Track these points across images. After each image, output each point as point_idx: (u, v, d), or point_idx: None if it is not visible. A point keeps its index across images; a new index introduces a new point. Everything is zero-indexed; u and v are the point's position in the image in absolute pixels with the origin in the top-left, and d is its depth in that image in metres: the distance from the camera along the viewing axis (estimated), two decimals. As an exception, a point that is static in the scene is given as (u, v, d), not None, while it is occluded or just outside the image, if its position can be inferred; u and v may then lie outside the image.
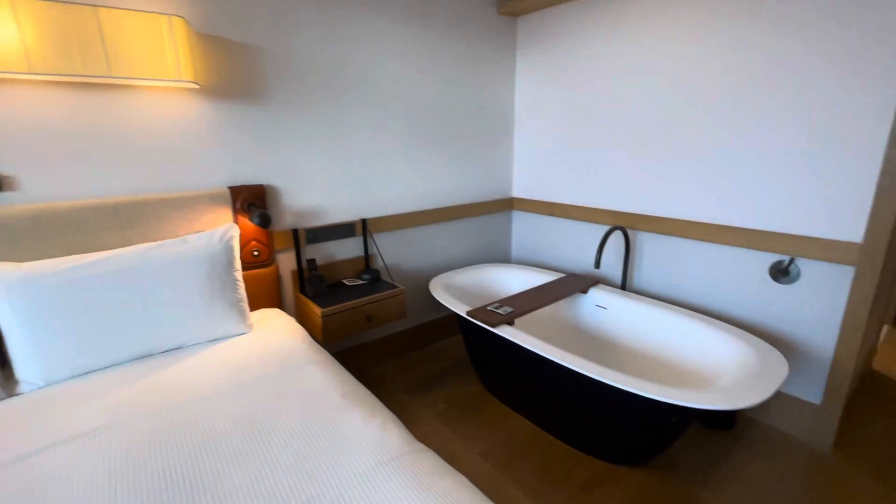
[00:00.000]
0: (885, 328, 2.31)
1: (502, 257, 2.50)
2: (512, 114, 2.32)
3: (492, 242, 2.42)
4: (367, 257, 1.87)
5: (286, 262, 1.69)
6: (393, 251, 2.00)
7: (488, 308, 1.61)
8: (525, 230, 2.43)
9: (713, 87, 1.56)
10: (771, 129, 1.44)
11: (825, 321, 1.42)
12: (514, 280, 2.12)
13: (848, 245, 1.32)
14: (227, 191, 1.48)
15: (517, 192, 2.40)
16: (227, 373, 1.13)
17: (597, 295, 1.84)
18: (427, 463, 0.84)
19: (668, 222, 1.75)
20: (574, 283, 1.88)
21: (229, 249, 1.35)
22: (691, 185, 1.67)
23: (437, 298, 1.76)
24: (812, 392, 1.49)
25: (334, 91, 1.69)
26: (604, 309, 1.82)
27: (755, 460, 1.45)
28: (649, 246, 1.86)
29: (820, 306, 1.42)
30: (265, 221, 1.45)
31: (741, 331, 1.42)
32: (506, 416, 1.70)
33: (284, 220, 1.66)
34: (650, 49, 1.71)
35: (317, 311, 1.53)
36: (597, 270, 2.09)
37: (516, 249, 2.51)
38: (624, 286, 1.93)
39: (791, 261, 1.45)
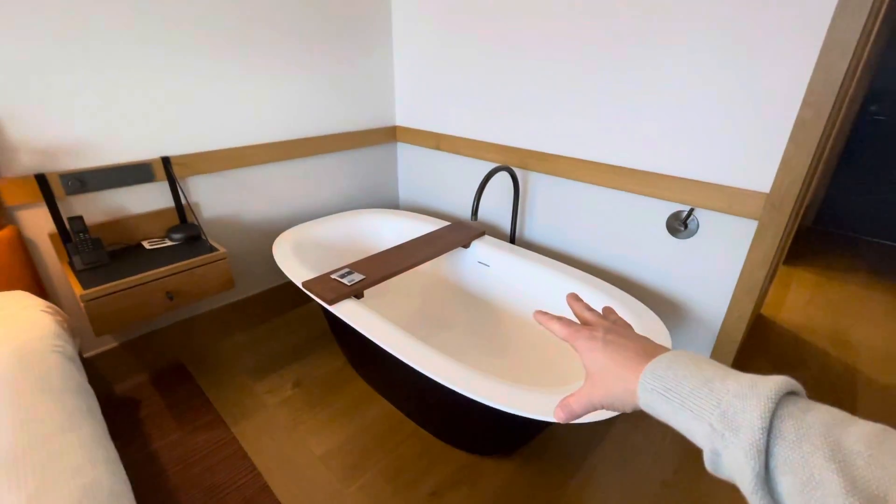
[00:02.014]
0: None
1: (389, 201, 2.11)
2: (389, 22, 1.80)
3: (373, 184, 2.01)
4: (180, 210, 1.40)
5: (37, 221, 1.19)
6: (224, 199, 1.54)
7: (332, 276, 1.26)
8: (412, 168, 2.03)
9: (615, 4, 1.18)
10: (675, 55, 1.11)
11: (719, 282, 1.22)
12: (389, 231, 1.76)
13: (752, 195, 1.09)
14: None
15: (401, 120, 1.96)
16: None
17: (479, 250, 1.55)
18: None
19: (561, 161, 1.43)
20: (456, 235, 1.56)
21: None
22: (584, 118, 1.34)
23: (276, 261, 1.37)
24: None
25: (79, -43, 1.10)
26: (486, 266, 1.54)
27: (635, 434, 1.31)
28: (541, 191, 1.55)
29: (716, 265, 1.22)
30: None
31: (629, 297, 1.19)
32: (368, 398, 1.42)
33: (20, 162, 1.13)
34: (547, -77, 1.27)
35: (78, 292, 1.09)
36: (487, 219, 1.78)
37: (404, 191, 2.12)
38: (513, 239, 1.64)
39: (690, 212, 1.21)
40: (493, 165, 1.67)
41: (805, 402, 0.25)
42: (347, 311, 1.12)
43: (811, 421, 0.24)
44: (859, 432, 0.22)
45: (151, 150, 1.33)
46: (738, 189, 1.11)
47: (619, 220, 1.37)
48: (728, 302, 1.22)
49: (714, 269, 1.22)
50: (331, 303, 1.15)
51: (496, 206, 1.73)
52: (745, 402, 0.25)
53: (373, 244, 1.75)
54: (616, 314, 0.44)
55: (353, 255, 1.70)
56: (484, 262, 1.54)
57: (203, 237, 1.38)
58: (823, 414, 0.24)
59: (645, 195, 1.27)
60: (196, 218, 1.43)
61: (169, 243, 1.36)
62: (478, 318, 1.58)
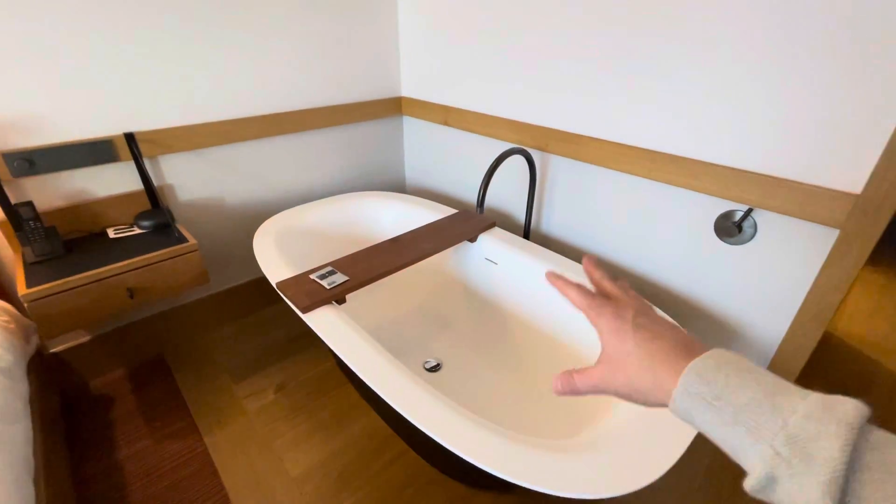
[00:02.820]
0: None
1: (394, 183, 1.92)
2: (394, -34, 1.55)
3: (376, 163, 1.81)
4: (151, 193, 1.25)
5: (-17, 207, 1.06)
6: (203, 181, 1.38)
7: (312, 276, 1.09)
8: (420, 145, 1.81)
9: None
10: (737, 8, 0.84)
11: (778, 301, 0.99)
12: (389, 218, 1.57)
13: (836, 196, 0.83)
14: None
15: (408, 91, 1.73)
16: None
17: (487, 244, 1.34)
18: None
19: (587, 144, 1.19)
20: (462, 227, 1.36)
21: None
22: (618, 92, 1.08)
23: (255, 253, 1.21)
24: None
25: None
26: (494, 264, 1.34)
27: (657, 469, 1.12)
28: (562, 178, 1.32)
29: (775, 280, 0.98)
30: None
31: (659, 311, 0.97)
32: (355, 408, 1.28)
33: (-46, 139, 0.99)
34: None
35: (20, 290, 0.96)
36: (500, 207, 1.56)
37: (412, 172, 1.92)
38: (527, 232, 1.43)
39: (747, 213, 0.97)
40: (507, 145, 1.44)
41: (884, 434, 0.22)
42: (321, 323, 0.96)
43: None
44: None
45: (112, 126, 1.17)
46: (817, 187, 0.85)
47: (656, 217, 1.14)
48: (787, 326, 0.99)
49: (772, 284, 0.99)
50: (304, 310, 0.98)
51: (512, 193, 1.50)
52: (820, 427, 0.21)
53: (370, 233, 1.57)
54: (632, 290, 0.39)
55: (347, 247, 1.52)
56: (492, 259, 1.34)
57: (172, 225, 1.23)
58: None
59: (690, 189, 1.03)
60: (165, 202, 1.28)
61: (136, 231, 1.21)
62: (484, 319, 1.39)
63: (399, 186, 1.95)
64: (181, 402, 1.30)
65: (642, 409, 0.76)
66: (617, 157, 1.14)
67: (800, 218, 0.89)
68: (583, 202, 1.29)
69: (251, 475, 1.09)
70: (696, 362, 0.27)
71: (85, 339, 1.32)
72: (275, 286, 1.07)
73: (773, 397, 0.24)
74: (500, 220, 1.58)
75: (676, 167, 1.03)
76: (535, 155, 1.36)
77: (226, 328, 1.59)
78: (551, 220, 1.40)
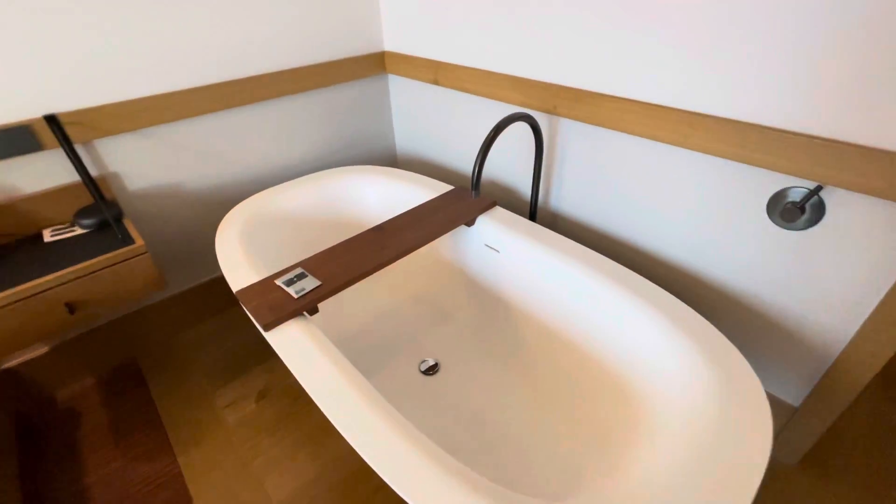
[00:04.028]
0: None
1: (384, 154, 1.70)
2: None
3: (360, 132, 1.59)
4: (92, 186, 1.06)
5: None
6: (154, 166, 1.18)
7: (277, 282, 0.92)
8: (409, 109, 1.58)
9: None
10: None
11: (845, 299, 0.80)
12: (376, 198, 1.38)
13: (946, 171, 0.63)
14: None
15: (391, 44, 1.48)
16: None
17: (487, 229, 1.15)
18: None
19: (605, 104, 0.97)
20: (458, 208, 1.17)
21: None
22: (648, 39, 0.85)
23: (217, 251, 1.04)
24: (790, 389, 0.96)
25: None
26: (495, 252, 1.15)
27: None
28: (575, 146, 1.10)
29: (845, 273, 0.79)
30: None
31: (692, 314, 0.79)
32: (345, 416, 1.15)
33: None
34: None
35: (-69, 317, 0.81)
36: (503, 181, 1.35)
37: (403, 141, 1.69)
38: (534, 212, 1.23)
39: (814, 191, 0.76)
40: (508, 107, 1.21)
41: None
42: (284, 343, 0.80)
43: None
44: None
45: (27, 108, 0.97)
46: (917, 159, 0.64)
47: (691, 194, 0.93)
48: (856, 329, 0.80)
49: (839, 278, 0.79)
50: (267, 327, 0.82)
51: (515, 164, 1.29)
52: None
53: (353, 217, 1.38)
54: None
55: (326, 235, 1.34)
56: (492, 245, 1.15)
57: (118, 223, 1.06)
58: None
59: (737, 160, 0.82)
60: (111, 194, 1.09)
61: (78, 231, 1.04)
62: (487, 313, 1.23)
63: (390, 158, 1.73)
64: (154, 414, 1.18)
65: (686, 442, 0.61)
66: (644, 121, 0.92)
67: (887, 199, 0.68)
68: (600, 176, 1.08)
69: (228, 501, 0.98)
70: None
71: (43, 349, 1.19)
72: (236, 295, 0.91)
73: None
74: (503, 198, 1.38)
75: (719, 133, 0.82)
76: (542, 120, 1.13)
77: (206, 325, 1.45)
78: (561, 196, 1.20)
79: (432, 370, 1.16)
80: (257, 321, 0.83)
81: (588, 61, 0.97)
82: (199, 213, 1.32)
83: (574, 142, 1.09)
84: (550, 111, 1.08)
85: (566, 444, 0.93)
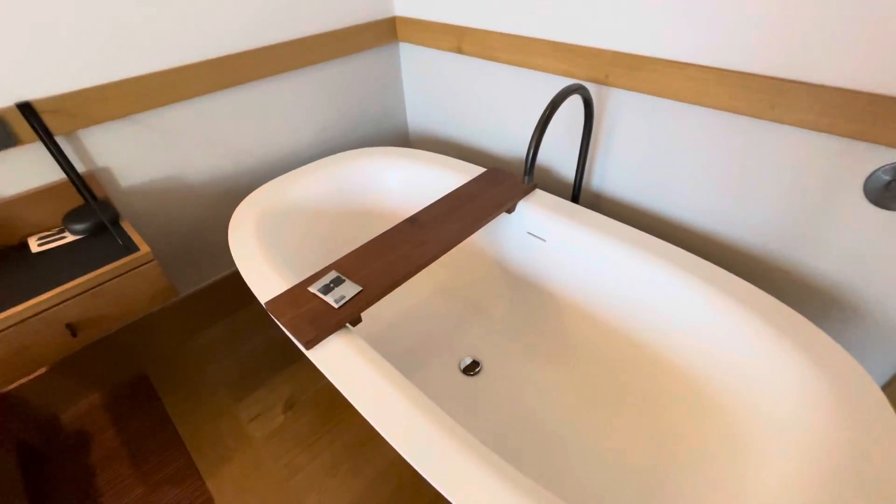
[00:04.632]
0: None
1: (394, 134, 1.56)
2: None
3: (370, 110, 1.44)
4: (80, 184, 0.92)
5: None
6: (149, 157, 1.04)
7: (311, 290, 0.81)
8: (423, 82, 1.43)
9: None
10: None
11: (949, 282, 0.73)
12: (397, 184, 1.25)
13: None
14: None
15: (402, 8, 1.32)
16: None
17: (530, 215, 1.05)
18: None
19: (670, 72, 0.85)
20: (496, 193, 1.05)
21: None
22: (740, -19, 0.73)
23: (233, 254, 0.92)
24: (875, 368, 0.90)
25: None
26: (541, 241, 1.05)
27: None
28: (630, 119, 0.99)
29: (950, 256, 0.71)
30: None
31: (789, 312, 0.72)
32: (383, 424, 1.07)
33: None
34: None
35: None
36: (539, 160, 1.24)
37: (415, 118, 1.55)
38: (576, 194, 1.12)
39: (927, 166, 0.67)
40: (547, 77, 1.09)
41: None
42: (333, 363, 0.70)
43: None
44: None
45: (-3, 95, 0.81)
46: None
47: (773, 173, 0.84)
48: (962, 316, 0.74)
49: (946, 261, 0.72)
50: (309, 345, 0.72)
51: (552, 140, 1.18)
52: None
53: (374, 205, 1.26)
54: None
55: (348, 226, 1.22)
56: (537, 234, 1.05)
57: (115, 225, 0.92)
58: None
59: (831, 133, 0.72)
60: (103, 193, 0.95)
61: (69, 238, 0.91)
62: (528, 306, 1.14)
63: (401, 137, 1.59)
64: (173, 432, 1.08)
65: (808, 465, 0.53)
66: (717, 90, 0.81)
67: None
68: (658, 153, 0.98)
69: (270, 528, 0.90)
70: None
71: (41, 369, 1.07)
72: (265, 307, 0.79)
73: None
74: (540, 178, 1.27)
75: (808, 99, 0.71)
76: (591, 89, 1.01)
77: (216, 329, 1.34)
78: (606, 176, 1.10)
79: (473, 370, 1.08)
80: (297, 338, 0.72)
81: (650, 22, 0.85)
82: (202, 209, 1.18)
83: (628, 115, 0.98)
84: (601, 81, 0.96)
85: (635, 455, 0.87)
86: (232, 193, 1.22)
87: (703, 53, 0.81)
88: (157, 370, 1.23)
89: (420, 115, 1.52)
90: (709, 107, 0.84)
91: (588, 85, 1.00)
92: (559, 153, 1.17)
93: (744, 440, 0.70)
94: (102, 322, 0.85)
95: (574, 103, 1.06)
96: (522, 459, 0.90)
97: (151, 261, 0.87)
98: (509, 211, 1.06)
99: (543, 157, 1.21)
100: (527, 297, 1.14)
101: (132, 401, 1.16)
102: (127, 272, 0.85)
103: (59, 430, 1.10)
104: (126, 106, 0.94)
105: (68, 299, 0.79)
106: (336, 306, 0.77)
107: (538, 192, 1.08)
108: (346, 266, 0.86)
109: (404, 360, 1.11)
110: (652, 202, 1.04)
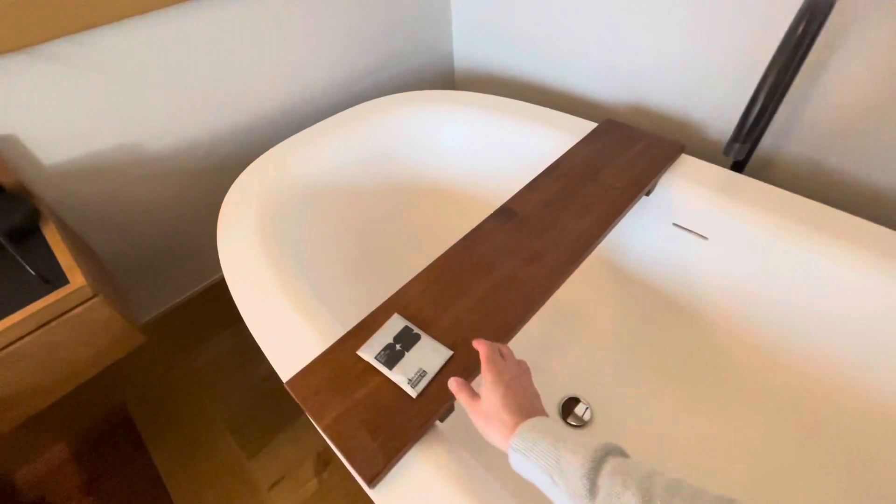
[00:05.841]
0: None
1: (435, 75, 1.13)
2: None
3: (404, 40, 1.01)
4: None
5: None
6: (83, 114, 0.66)
7: (366, 356, 0.46)
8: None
9: None
10: None
11: None
12: (458, 147, 0.86)
13: None
14: None
15: None
16: None
17: (678, 196, 0.68)
18: None
19: None
20: (626, 158, 0.68)
21: None
22: None
23: (228, 280, 0.57)
24: None
25: None
26: (699, 238, 0.69)
27: None
28: (877, 29, 0.59)
29: None
30: None
31: None
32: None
33: None
34: None
35: None
36: (654, 112, 0.84)
37: (464, 50, 1.12)
38: (744, 160, 0.74)
39: None
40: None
41: (626, 461, 0.30)
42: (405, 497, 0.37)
43: (630, 477, 0.28)
44: (662, 482, 0.28)
45: None
46: None
47: None
48: None
49: None
50: (372, 482, 0.39)
51: (696, 77, 0.77)
52: (574, 456, 0.31)
53: (428, 183, 0.88)
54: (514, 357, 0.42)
55: (394, 217, 0.86)
56: (692, 228, 0.68)
57: (8, 245, 0.57)
58: (639, 470, 0.29)
59: None
60: (13, 178, 0.59)
61: (-42, 260, 0.55)
62: (668, 332, 0.80)
63: (446, 77, 1.17)
64: (163, 496, 0.79)
65: None
66: None
67: None
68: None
69: None
70: (522, 426, 0.34)
71: (-28, 426, 0.76)
72: (289, 390, 0.45)
73: (557, 442, 0.32)
74: (681, 132, 0.87)
75: None
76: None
77: (215, 347, 1.01)
78: (792, 132, 0.70)
79: (581, 419, 0.76)
80: (354, 469, 0.39)
81: None
82: (178, 190, 0.82)
83: (875, 20, 0.58)
84: (839, -34, 0.55)
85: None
86: (218, 166, 0.85)
87: None
88: (143, 406, 0.92)
89: (471, 44, 1.09)
90: None
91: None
92: (707, 92, 0.77)
93: None
94: (28, 399, 0.52)
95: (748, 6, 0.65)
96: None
97: (92, 297, 0.52)
98: (647, 193, 0.69)
99: (668, 98, 0.81)
100: (667, 320, 0.79)
101: (107, 451, 0.86)
102: (54, 319, 0.51)
103: (13, 496, 0.81)
104: (27, 30, 0.55)
105: (-51, 377, 0.46)
106: (414, 394, 0.43)
107: (687, 159, 0.70)
108: (415, 302, 0.51)
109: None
110: (880, 176, 0.66)
